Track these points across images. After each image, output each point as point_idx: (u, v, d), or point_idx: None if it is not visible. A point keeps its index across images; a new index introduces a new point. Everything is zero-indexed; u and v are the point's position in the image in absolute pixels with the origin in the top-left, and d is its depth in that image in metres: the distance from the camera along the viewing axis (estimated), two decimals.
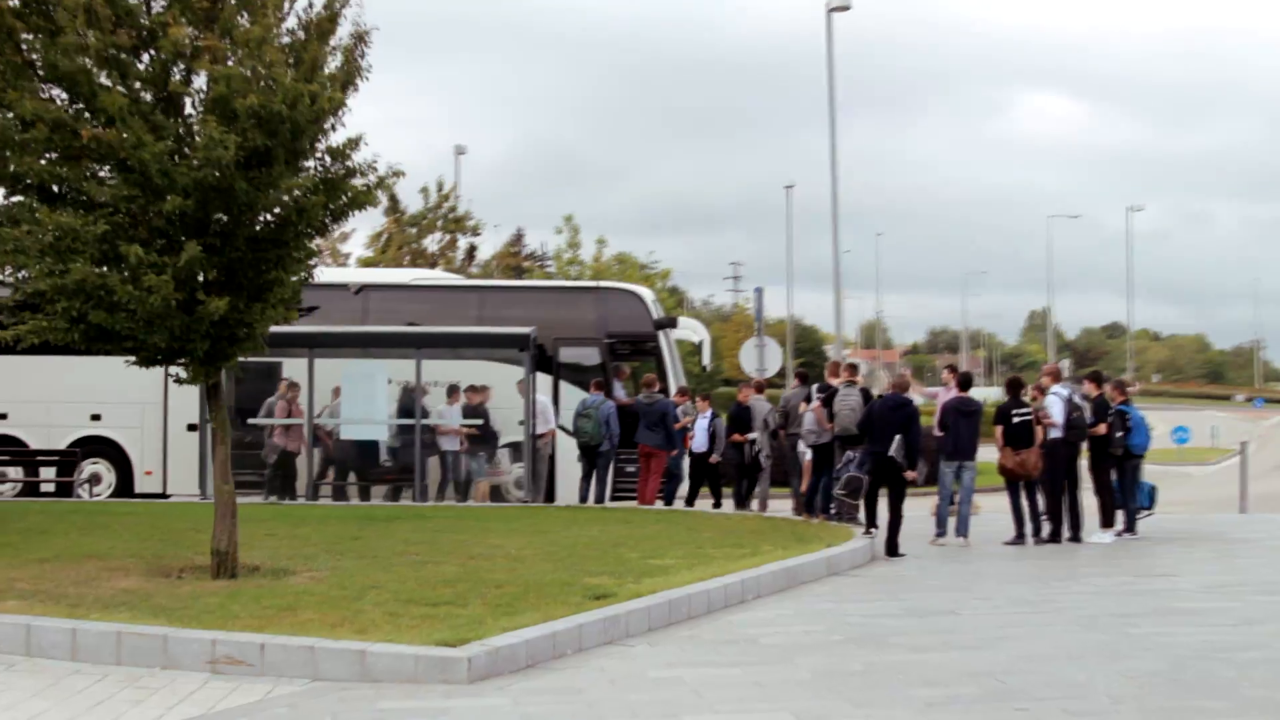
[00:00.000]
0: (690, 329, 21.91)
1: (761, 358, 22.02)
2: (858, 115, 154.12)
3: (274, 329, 21.32)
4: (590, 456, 19.22)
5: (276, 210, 10.62)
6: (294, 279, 11.34)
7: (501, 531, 15.40)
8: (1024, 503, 16.56)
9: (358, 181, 11.02)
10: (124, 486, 21.63)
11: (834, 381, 17.41)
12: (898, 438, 14.99)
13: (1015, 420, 16.53)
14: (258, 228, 10.80)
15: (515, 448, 20.10)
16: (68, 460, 21.41)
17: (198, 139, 9.96)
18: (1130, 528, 17.18)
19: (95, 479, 21.77)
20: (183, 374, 11.71)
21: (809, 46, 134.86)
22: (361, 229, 31.85)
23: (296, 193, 10.36)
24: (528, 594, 10.74)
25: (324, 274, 28.05)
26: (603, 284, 22.66)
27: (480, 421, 19.86)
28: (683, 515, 17.77)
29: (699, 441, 19.01)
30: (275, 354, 20.53)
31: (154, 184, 10.02)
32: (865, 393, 16.71)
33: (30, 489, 21.60)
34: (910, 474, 15.22)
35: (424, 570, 12.06)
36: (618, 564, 12.60)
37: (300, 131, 10.44)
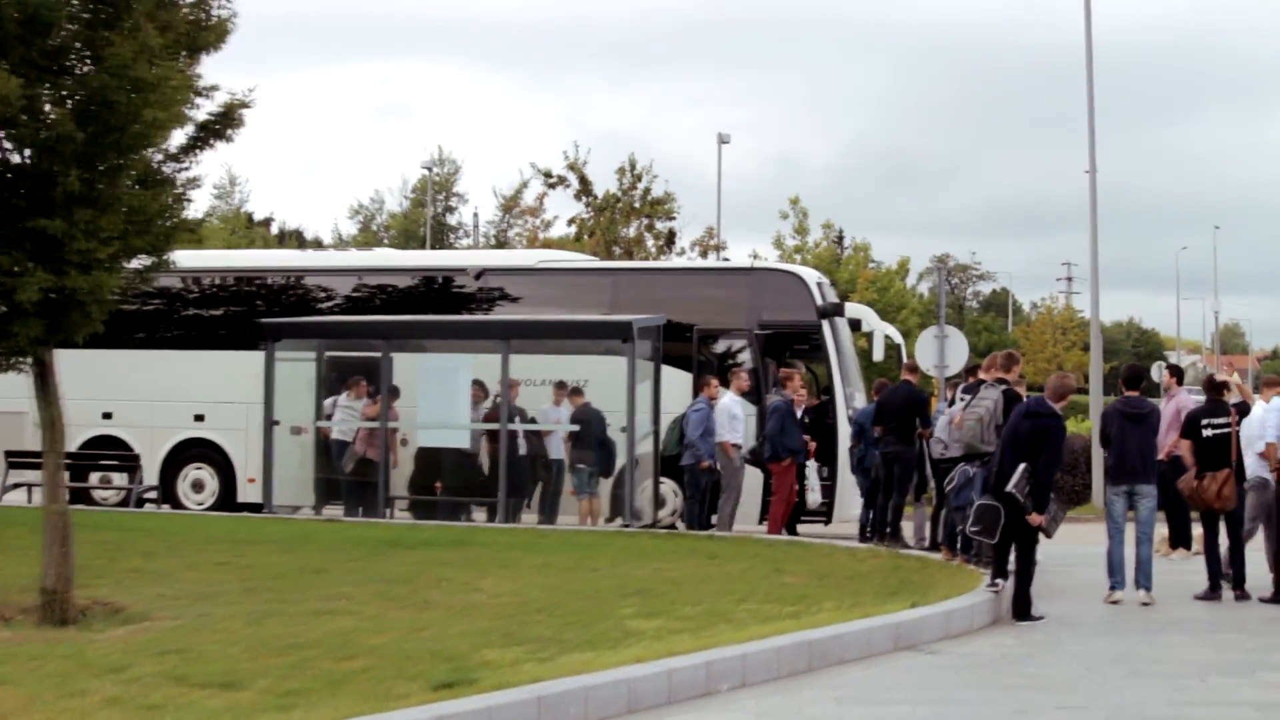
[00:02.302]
0: (862, 316, 17.88)
1: (942, 351, 17.72)
2: (1208, 107, 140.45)
3: (338, 319, 19.39)
4: (688, 473, 15.82)
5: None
6: (87, 238, 8.34)
7: (523, 567, 12.24)
8: (1223, 544, 12.08)
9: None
10: (229, 494, 19.57)
11: (985, 379, 13.24)
12: (1022, 467, 10.75)
13: (1207, 434, 11.95)
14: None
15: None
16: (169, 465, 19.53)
17: None
18: None
19: (198, 485, 19.80)
20: None
21: (1156, 39, 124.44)
22: (564, 215, 29.07)
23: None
24: (359, 676, 7.50)
25: (441, 256, 25.98)
26: (757, 265, 19.06)
27: (576, 428, 16.60)
28: (792, 550, 13.95)
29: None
30: (343, 346, 18.05)
31: None
32: (1011, 395, 12.48)
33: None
34: (1035, 519, 10.87)
35: (309, 624, 9.06)
36: (580, 626, 9.15)
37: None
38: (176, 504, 19.67)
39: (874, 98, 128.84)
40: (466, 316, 17.89)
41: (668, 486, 17.76)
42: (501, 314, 18.59)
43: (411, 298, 19.15)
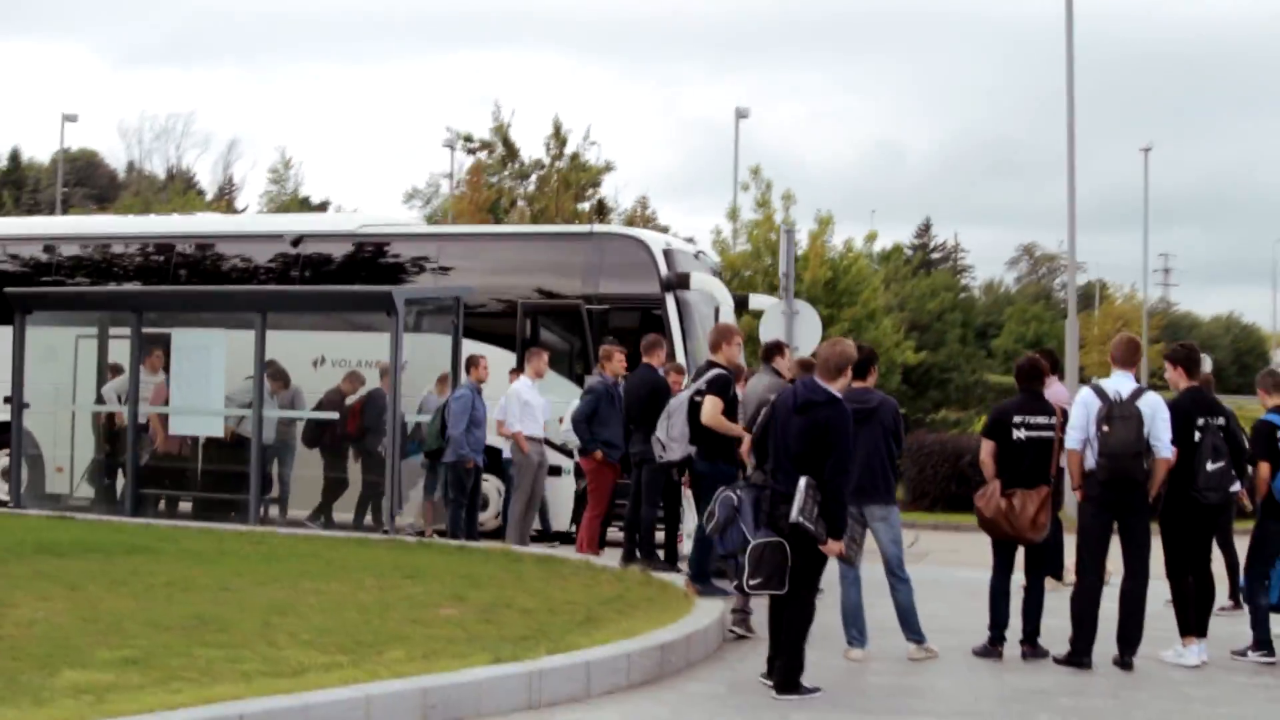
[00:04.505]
0: (707, 288, 14.99)
1: (790, 329, 14.74)
2: None
3: (89, 289, 17.17)
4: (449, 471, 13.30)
5: None
6: None
7: (134, 585, 9.88)
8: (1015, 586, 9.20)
9: None
10: (39, 484, 17.39)
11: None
12: (803, 484, 7.66)
13: (1018, 436, 9.00)
14: None
15: None
16: None
17: None
18: (1264, 643, 9.12)
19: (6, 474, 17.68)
20: None
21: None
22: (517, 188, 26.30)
23: None
24: None
25: (258, 222, 23.65)
26: (596, 229, 16.23)
27: (335, 416, 14.11)
28: (518, 570, 11.28)
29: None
30: (114, 320, 15.74)
31: None
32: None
33: None
34: (833, 548, 7.86)
35: None
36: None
37: None
38: None
39: (982, 88, 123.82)
40: (230, 286, 15.60)
41: (490, 484, 15.28)
42: (322, 283, 16.25)
43: (223, 267, 16.87)
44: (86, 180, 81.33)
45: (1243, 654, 9.10)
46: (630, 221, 25.40)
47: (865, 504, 8.75)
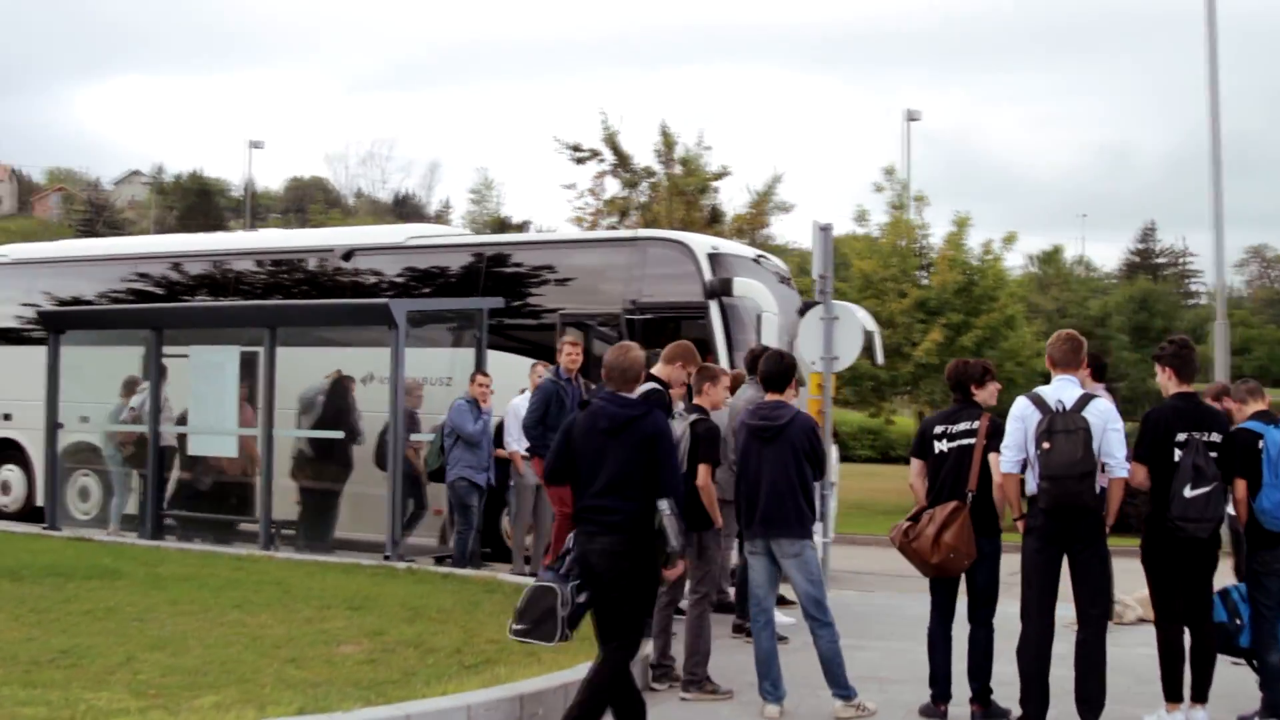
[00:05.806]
0: (750, 294, 13.69)
1: (828, 339, 13.17)
2: None
3: (111, 308, 16.85)
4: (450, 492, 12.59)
5: None
6: None
7: (54, 613, 9.47)
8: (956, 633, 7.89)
9: None
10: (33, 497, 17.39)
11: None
12: (666, 505, 6.34)
13: (941, 449, 7.71)
14: None
15: None
16: None
17: None
18: (1274, 708, 7.51)
19: (5, 487, 17.78)
20: None
21: None
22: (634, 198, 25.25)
23: None
24: None
25: (309, 236, 22.93)
26: (640, 234, 15.15)
27: (339, 435, 13.50)
28: (473, 599, 10.43)
29: None
30: (107, 339, 15.59)
31: None
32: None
33: None
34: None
35: None
36: None
37: None
38: None
39: (1220, 86, 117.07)
40: (250, 302, 15.27)
41: None
42: (373, 296, 15.76)
43: (276, 282, 16.56)
44: (307, 206, 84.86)
45: None
46: (739, 230, 24.15)
47: (774, 537, 7.58)
